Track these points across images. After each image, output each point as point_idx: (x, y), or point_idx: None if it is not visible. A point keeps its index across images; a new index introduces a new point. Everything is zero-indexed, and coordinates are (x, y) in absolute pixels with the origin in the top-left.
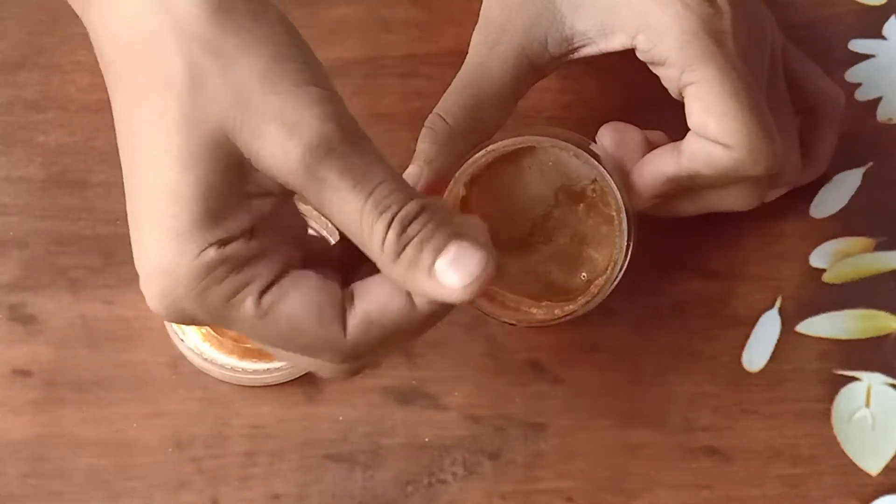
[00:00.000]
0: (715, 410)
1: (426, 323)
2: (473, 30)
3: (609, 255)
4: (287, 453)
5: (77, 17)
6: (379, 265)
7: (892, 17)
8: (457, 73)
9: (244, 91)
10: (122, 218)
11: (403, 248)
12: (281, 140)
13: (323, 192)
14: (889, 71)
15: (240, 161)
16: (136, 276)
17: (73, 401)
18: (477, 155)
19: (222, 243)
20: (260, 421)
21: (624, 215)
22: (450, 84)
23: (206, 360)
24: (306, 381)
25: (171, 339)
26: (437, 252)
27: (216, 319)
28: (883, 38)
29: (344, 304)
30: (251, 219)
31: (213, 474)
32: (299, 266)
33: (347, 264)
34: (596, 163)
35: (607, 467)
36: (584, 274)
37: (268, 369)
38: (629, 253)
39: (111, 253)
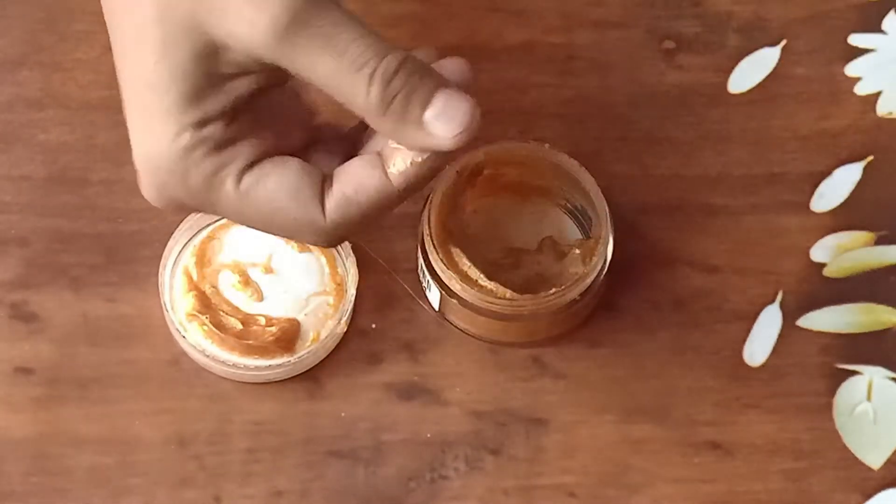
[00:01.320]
0: (716, 405)
1: (401, 196)
2: (475, 25)
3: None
4: (289, 450)
5: (78, 14)
6: (367, 121)
7: (892, 12)
8: None
9: None
10: (124, 215)
11: (390, 103)
12: (248, 16)
13: (297, 61)
14: (889, 65)
15: (213, 45)
16: (137, 274)
17: (74, 398)
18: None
19: (199, 125)
20: (262, 417)
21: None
22: None
23: (207, 356)
24: (308, 377)
25: (172, 337)
26: (425, 103)
27: (200, 202)
28: (883, 32)
29: (323, 188)
30: (229, 100)
31: (215, 471)
32: (291, 152)
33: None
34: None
35: (609, 462)
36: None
37: (269, 366)
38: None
39: (112, 250)
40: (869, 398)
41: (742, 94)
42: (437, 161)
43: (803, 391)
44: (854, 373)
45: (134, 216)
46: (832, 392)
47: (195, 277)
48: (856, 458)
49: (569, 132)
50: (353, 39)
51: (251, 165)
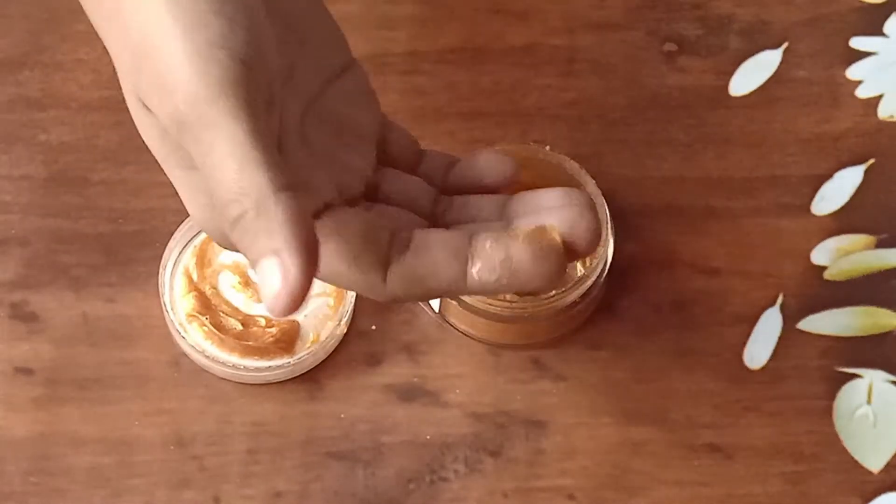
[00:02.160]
0: (716, 408)
1: (473, 292)
2: (476, 26)
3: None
4: (289, 451)
5: (78, 14)
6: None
7: (894, 15)
8: (459, 70)
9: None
10: (124, 216)
11: (235, 228)
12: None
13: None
14: (890, 68)
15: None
16: (137, 274)
17: (74, 399)
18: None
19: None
20: (261, 419)
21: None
22: (451, 82)
23: (207, 357)
24: (308, 378)
25: (172, 338)
26: (260, 255)
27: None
28: (884, 35)
29: (390, 250)
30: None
31: (214, 472)
32: (359, 183)
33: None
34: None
35: (609, 465)
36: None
37: (269, 367)
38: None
39: (113, 251)
40: (869, 401)
41: (743, 97)
42: (517, 284)
43: (803, 394)
44: (854, 376)
45: (134, 216)
46: (832, 395)
47: (195, 278)
48: (856, 462)
49: (570, 134)
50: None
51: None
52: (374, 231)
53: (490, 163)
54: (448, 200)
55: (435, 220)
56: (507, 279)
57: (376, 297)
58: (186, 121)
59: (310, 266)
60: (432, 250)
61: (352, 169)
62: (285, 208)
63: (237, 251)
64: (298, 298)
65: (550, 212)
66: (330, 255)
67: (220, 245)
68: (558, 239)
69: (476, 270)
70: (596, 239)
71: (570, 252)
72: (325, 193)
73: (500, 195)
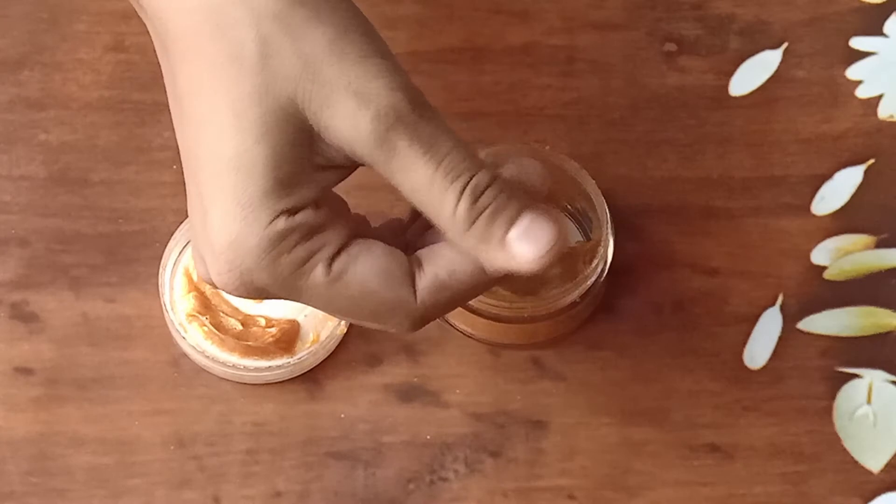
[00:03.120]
0: (716, 408)
1: (490, 283)
2: (476, 26)
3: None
4: (289, 451)
5: (79, 14)
6: (449, 235)
7: (894, 15)
8: (459, 70)
9: (313, 62)
10: (124, 216)
11: (475, 219)
12: (351, 110)
13: (392, 162)
14: (890, 68)
15: (309, 132)
16: (137, 275)
17: (74, 399)
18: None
19: (292, 212)
20: (261, 418)
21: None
22: (451, 82)
23: (207, 357)
24: (308, 378)
25: (172, 338)
26: (510, 223)
27: (286, 289)
28: (884, 35)
29: (412, 269)
30: (319, 189)
31: (214, 472)
32: (364, 235)
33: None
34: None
35: (609, 465)
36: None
37: (269, 367)
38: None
39: (113, 251)
40: (869, 401)
41: (743, 97)
42: None
43: (803, 394)
44: (854, 376)
45: (134, 216)
46: (832, 395)
47: (195, 278)
48: (856, 462)
49: (569, 134)
50: (451, 150)
51: (340, 251)
52: (394, 250)
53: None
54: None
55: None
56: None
57: (407, 319)
58: (394, 127)
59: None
60: (443, 252)
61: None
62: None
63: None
64: (563, 241)
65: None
66: (364, 269)
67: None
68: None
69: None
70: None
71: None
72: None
73: None
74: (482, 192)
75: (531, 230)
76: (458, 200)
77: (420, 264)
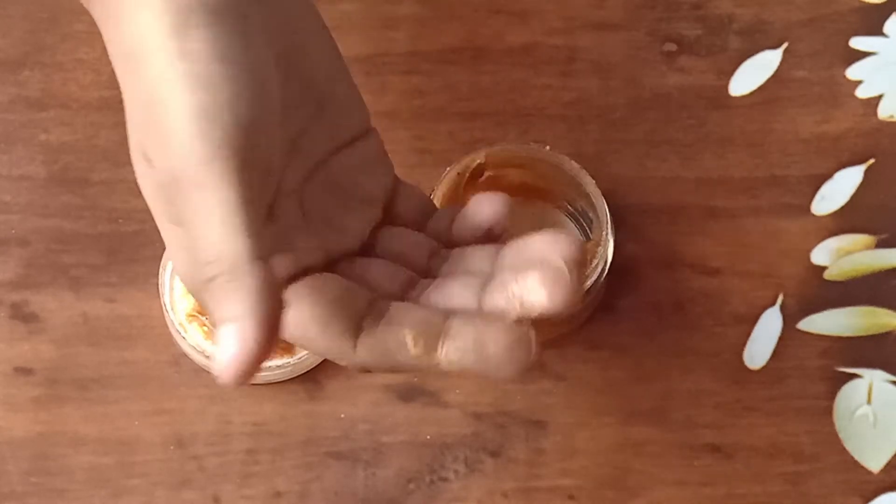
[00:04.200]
0: (716, 408)
1: (441, 370)
2: (476, 26)
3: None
4: (289, 451)
5: (79, 14)
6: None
7: (894, 15)
8: (459, 70)
9: None
10: (124, 216)
11: (207, 287)
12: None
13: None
14: (890, 68)
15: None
16: (137, 275)
17: (74, 399)
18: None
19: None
20: (261, 419)
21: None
22: (451, 82)
23: (207, 357)
24: (308, 378)
25: (172, 338)
26: (223, 319)
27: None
28: (884, 35)
29: (363, 319)
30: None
31: (214, 472)
32: (352, 241)
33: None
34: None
35: (609, 465)
36: None
37: (269, 367)
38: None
39: (113, 251)
40: (869, 401)
41: (743, 97)
42: (487, 368)
43: (803, 394)
44: (854, 376)
45: (134, 216)
46: (832, 395)
47: None
48: (856, 462)
49: (570, 134)
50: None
51: (288, 282)
52: (350, 297)
53: (480, 205)
54: (445, 254)
55: (428, 274)
56: (477, 363)
57: (347, 363)
58: (180, 178)
59: (268, 340)
60: (404, 325)
61: (348, 231)
62: (256, 278)
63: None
64: (250, 369)
65: (530, 270)
66: (303, 318)
67: (198, 301)
68: (532, 333)
69: (446, 352)
70: (574, 296)
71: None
72: (308, 257)
73: (492, 245)
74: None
75: (224, 340)
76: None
77: (379, 316)
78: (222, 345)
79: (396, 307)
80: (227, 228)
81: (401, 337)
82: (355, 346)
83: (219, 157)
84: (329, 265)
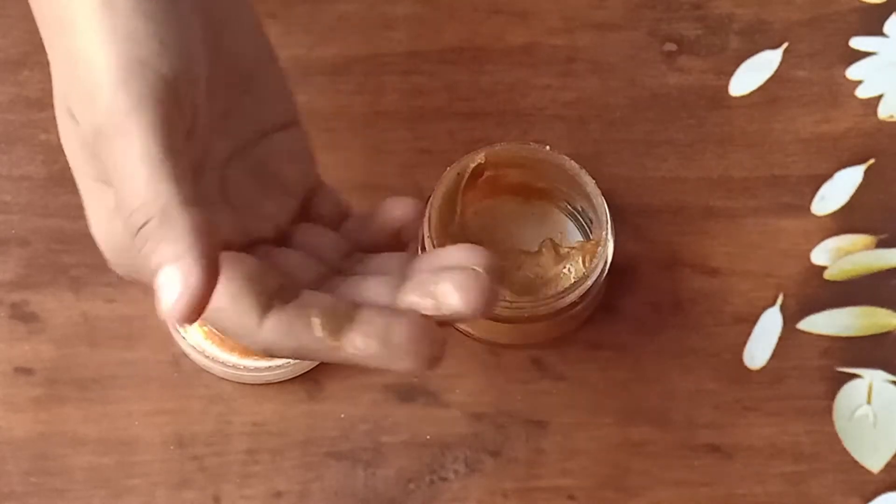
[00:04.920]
0: (716, 408)
1: (345, 359)
2: (476, 26)
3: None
4: (289, 451)
5: None
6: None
7: (894, 15)
8: (459, 70)
9: None
10: None
11: (139, 235)
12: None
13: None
14: (890, 68)
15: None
16: None
17: (74, 399)
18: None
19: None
20: (261, 419)
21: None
22: (451, 82)
23: (207, 357)
24: (308, 378)
25: (172, 338)
26: (162, 261)
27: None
28: (884, 35)
29: (273, 299)
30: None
31: (214, 472)
32: (271, 226)
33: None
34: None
35: (609, 465)
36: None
37: (269, 367)
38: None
39: None
40: (869, 401)
41: (743, 97)
42: (391, 360)
43: (803, 394)
44: (854, 376)
45: None
46: (832, 395)
47: None
48: (855, 462)
49: (570, 134)
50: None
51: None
52: (263, 276)
53: (391, 207)
54: (359, 256)
55: (342, 273)
56: (381, 352)
57: (250, 342)
58: (104, 129)
59: (211, 275)
60: (314, 307)
61: (265, 216)
62: (191, 217)
63: (134, 277)
64: (198, 307)
65: (446, 272)
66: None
67: (118, 269)
68: (440, 331)
69: (352, 338)
70: (489, 303)
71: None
72: (225, 234)
73: (408, 253)
74: (147, 221)
75: (168, 280)
76: (129, 216)
77: (288, 298)
78: (165, 287)
79: (308, 293)
80: (154, 173)
81: (308, 317)
82: (262, 323)
83: (142, 107)
84: (246, 248)
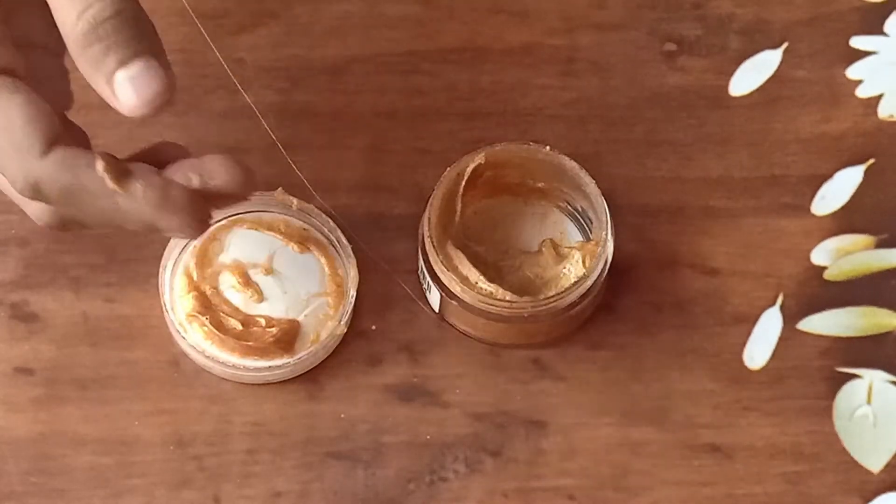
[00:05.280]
0: (716, 408)
1: (115, 217)
2: (476, 26)
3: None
4: (288, 451)
5: None
6: (69, 49)
7: (894, 14)
8: (459, 70)
9: None
10: None
11: (90, 45)
12: None
13: None
14: (891, 67)
15: None
16: (137, 275)
17: (74, 399)
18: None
19: None
20: (261, 419)
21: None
22: (451, 82)
23: (207, 357)
24: (308, 378)
25: (172, 337)
26: (121, 64)
27: None
28: (885, 34)
29: (62, 136)
30: None
31: (214, 472)
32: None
33: None
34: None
35: (609, 465)
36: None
37: (269, 367)
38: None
39: (112, 251)
40: (869, 401)
41: (743, 97)
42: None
43: (803, 394)
44: (854, 376)
45: None
46: (832, 395)
47: (195, 278)
48: (855, 462)
49: (570, 134)
50: None
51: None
52: (49, 113)
53: (218, 166)
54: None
55: None
56: (159, 206)
57: (20, 170)
58: None
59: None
60: (98, 152)
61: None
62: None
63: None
64: (169, 98)
65: (208, 156)
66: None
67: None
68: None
69: (133, 185)
70: (249, 179)
71: (224, 196)
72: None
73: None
74: (103, 22)
75: (139, 78)
76: (78, 20)
77: (70, 138)
78: (141, 82)
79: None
80: None
81: (93, 157)
82: (47, 151)
83: None
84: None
